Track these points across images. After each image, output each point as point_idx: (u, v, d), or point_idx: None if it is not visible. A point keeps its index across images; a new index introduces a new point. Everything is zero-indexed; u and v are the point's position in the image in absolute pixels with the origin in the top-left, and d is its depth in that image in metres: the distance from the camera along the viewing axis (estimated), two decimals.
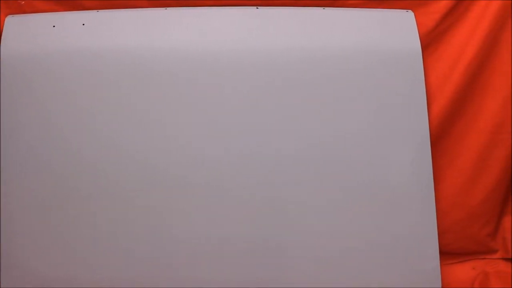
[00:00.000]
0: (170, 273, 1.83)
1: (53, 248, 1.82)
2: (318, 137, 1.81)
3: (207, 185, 1.81)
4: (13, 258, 1.82)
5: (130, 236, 1.82)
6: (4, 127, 1.80)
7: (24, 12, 1.85)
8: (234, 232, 1.82)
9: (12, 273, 1.82)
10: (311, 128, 1.81)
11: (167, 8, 1.86)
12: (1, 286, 1.80)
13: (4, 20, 1.82)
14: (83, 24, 1.82)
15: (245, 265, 1.83)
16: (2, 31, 1.81)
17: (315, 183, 1.81)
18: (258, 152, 1.81)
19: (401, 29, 1.86)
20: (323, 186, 1.81)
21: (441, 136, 1.92)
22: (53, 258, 1.83)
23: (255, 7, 1.86)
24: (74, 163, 1.80)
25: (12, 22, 1.82)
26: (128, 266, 1.83)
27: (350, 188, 1.82)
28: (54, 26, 1.82)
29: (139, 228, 1.82)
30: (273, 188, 1.81)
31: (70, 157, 1.80)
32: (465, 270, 1.97)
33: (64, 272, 1.83)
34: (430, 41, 1.90)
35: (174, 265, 1.83)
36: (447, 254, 1.96)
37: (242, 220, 1.82)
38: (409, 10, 1.88)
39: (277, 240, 1.83)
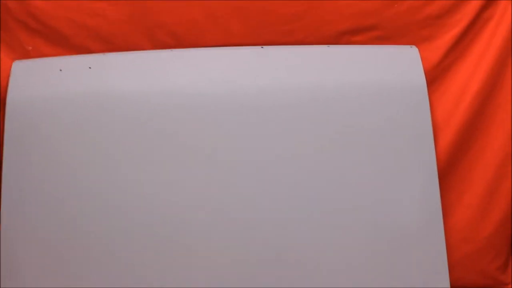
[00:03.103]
0: None
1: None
2: (325, 175, 1.81)
3: (209, 225, 1.80)
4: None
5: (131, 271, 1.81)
6: (12, 171, 1.79)
7: (31, 57, 1.87)
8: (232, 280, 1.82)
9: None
10: (318, 166, 1.81)
11: (172, 49, 1.87)
12: (1, 286, 1.80)
13: (11, 65, 1.83)
14: (90, 68, 1.83)
15: None
16: (9, 76, 1.82)
17: (323, 221, 1.81)
18: (264, 192, 1.80)
19: (406, 64, 1.87)
20: (331, 224, 1.81)
21: (449, 171, 1.92)
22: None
23: (260, 46, 1.87)
24: (81, 204, 1.80)
25: (19, 67, 1.83)
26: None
27: (359, 225, 1.81)
28: (61, 70, 1.83)
29: (141, 267, 1.81)
30: (279, 229, 1.80)
31: (76, 199, 1.80)
32: None
33: None
34: (435, 76, 1.91)
35: None
36: None
37: (246, 265, 1.81)
38: (413, 46, 1.89)
39: (284, 279, 1.82)
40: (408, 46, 1.90)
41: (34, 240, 1.80)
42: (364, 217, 1.82)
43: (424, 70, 1.86)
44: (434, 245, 1.83)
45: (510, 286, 2.00)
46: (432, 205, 1.83)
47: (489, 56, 1.88)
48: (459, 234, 1.94)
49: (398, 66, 1.87)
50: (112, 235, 1.80)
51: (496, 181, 1.93)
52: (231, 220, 1.80)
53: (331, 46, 1.89)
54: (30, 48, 1.86)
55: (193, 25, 1.87)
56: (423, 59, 1.87)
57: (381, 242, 1.82)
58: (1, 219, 1.79)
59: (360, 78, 1.85)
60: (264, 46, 1.87)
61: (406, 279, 1.82)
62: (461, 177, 1.94)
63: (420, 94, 1.85)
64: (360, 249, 1.82)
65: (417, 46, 1.89)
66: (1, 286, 1.80)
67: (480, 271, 1.97)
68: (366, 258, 1.82)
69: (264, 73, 1.84)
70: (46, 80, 1.82)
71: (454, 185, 1.93)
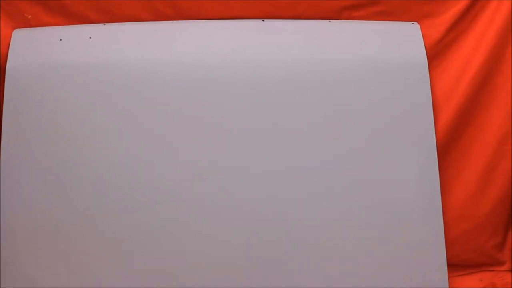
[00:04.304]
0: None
1: (55, 259, 1.82)
2: (323, 151, 1.81)
3: (210, 197, 1.80)
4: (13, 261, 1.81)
5: (133, 247, 1.81)
6: (10, 138, 1.80)
7: (31, 26, 1.86)
8: (238, 252, 1.81)
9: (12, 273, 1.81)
10: (316, 141, 1.81)
11: (173, 21, 1.87)
12: (1, 287, 1.80)
13: (11, 34, 1.83)
14: (90, 38, 1.83)
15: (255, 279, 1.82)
16: (9, 45, 1.82)
17: (320, 197, 1.81)
18: (262, 166, 1.80)
19: (407, 41, 1.87)
20: (328, 200, 1.81)
21: (448, 148, 1.92)
22: (54, 268, 1.82)
23: (261, 19, 1.87)
24: (78, 173, 1.80)
25: (19, 35, 1.83)
26: (131, 276, 1.81)
27: (356, 201, 1.81)
28: (61, 40, 1.83)
29: (143, 240, 1.81)
30: (276, 202, 1.80)
31: (74, 167, 1.80)
32: (472, 282, 1.95)
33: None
34: (436, 53, 1.90)
35: (177, 275, 1.82)
36: (454, 266, 1.94)
37: (247, 236, 1.81)
38: (415, 22, 1.88)
39: (283, 256, 1.81)
40: (409, 23, 1.89)
41: (31, 211, 1.81)
42: (361, 193, 1.82)
43: (425, 47, 1.86)
44: (432, 222, 1.83)
45: (507, 264, 1.99)
46: (430, 182, 1.83)
47: (490, 34, 1.87)
48: (457, 211, 1.93)
49: (399, 42, 1.87)
50: (113, 206, 1.80)
51: (496, 159, 1.92)
52: (232, 194, 1.80)
53: (332, 21, 1.88)
54: (30, 16, 1.85)
55: None
56: (424, 35, 1.87)
57: (378, 217, 1.82)
58: (0, 189, 1.79)
59: (361, 54, 1.85)
60: (265, 20, 1.86)
61: (403, 256, 1.82)
62: (460, 154, 1.93)
63: (420, 70, 1.84)
64: (357, 225, 1.82)
65: (418, 23, 1.89)
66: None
67: (476, 249, 1.97)
68: (362, 234, 1.82)
69: (264, 46, 1.84)
70: (46, 49, 1.82)
71: (453, 162, 1.93)
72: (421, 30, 1.87)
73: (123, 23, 1.86)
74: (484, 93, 1.91)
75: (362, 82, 1.83)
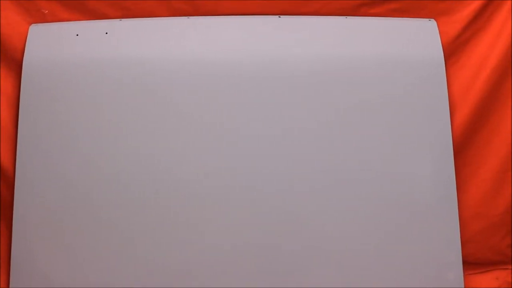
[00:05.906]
0: (180, 281, 1.82)
1: (64, 255, 1.82)
2: (339, 147, 1.81)
3: (219, 196, 1.80)
4: (24, 260, 1.82)
5: (138, 243, 1.81)
6: (26, 133, 1.80)
7: (47, 21, 1.86)
8: (249, 247, 1.81)
9: (21, 273, 1.81)
10: (331, 137, 1.81)
11: (188, 17, 1.86)
12: (10, 287, 1.80)
13: (28, 29, 1.83)
14: (106, 33, 1.83)
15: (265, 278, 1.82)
16: (26, 40, 1.82)
17: (336, 194, 1.81)
18: (275, 163, 1.80)
19: (424, 38, 1.86)
20: (344, 197, 1.80)
21: (464, 146, 1.91)
22: (63, 263, 1.82)
23: (277, 16, 1.86)
24: (94, 169, 1.80)
25: (36, 30, 1.84)
26: (137, 273, 1.81)
27: (372, 199, 1.81)
28: (77, 35, 1.83)
29: (149, 236, 1.80)
30: (290, 201, 1.80)
31: (90, 163, 1.80)
32: (488, 281, 1.95)
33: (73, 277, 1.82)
34: (453, 50, 1.90)
35: (184, 273, 1.81)
36: (469, 264, 1.94)
37: (258, 233, 1.80)
38: (432, 19, 1.88)
39: (296, 255, 1.81)
40: (426, 19, 1.88)
41: (48, 207, 1.81)
42: (377, 190, 1.81)
43: (442, 44, 1.85)
44: (448, 220, 1.82)
45: None
46: (446, 180, 1.82)
47: (507, 31, 1.86)
48: (472, 209, 1.93)
49: (416, 39, 1.86)
50: (128, 204, 1.80)
51: None
52: (242, 190, 1.80)
53: (348, 17, 1.88)
54: (46, 11, 1.85)
55: None
56: (441, 33, 1.86)
57: (394, 215, 1.81)
58: (15, 183, 1.80)
59: (377, 51, 1.84)
60: (281, 16, 1.86)
61: (418, 254, 1.82)
62: (476, 152, 1.92)
63: (437, 68, 1.84)
64: (373, 222, 1.81)
65: (435, 20, 1.88)
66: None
67: (492, 247, 1.96)
68: (378, 232, 1.81)
69: (280, 42, 1.83)
70: (62, 44, 1.82)
71: (469, 160, 1.92)
72: (438, 27, 1.87)
73: (139, 18, 1.86)
74: (500, 91, 1.90)
75: (378, 79, 1.82)
